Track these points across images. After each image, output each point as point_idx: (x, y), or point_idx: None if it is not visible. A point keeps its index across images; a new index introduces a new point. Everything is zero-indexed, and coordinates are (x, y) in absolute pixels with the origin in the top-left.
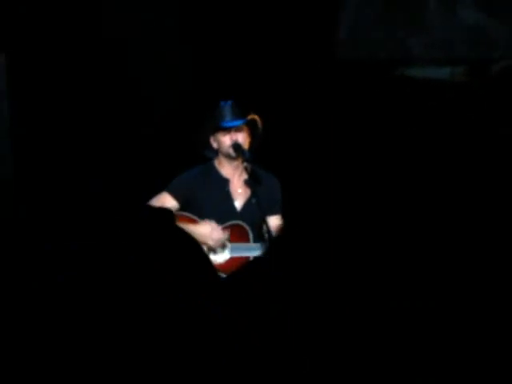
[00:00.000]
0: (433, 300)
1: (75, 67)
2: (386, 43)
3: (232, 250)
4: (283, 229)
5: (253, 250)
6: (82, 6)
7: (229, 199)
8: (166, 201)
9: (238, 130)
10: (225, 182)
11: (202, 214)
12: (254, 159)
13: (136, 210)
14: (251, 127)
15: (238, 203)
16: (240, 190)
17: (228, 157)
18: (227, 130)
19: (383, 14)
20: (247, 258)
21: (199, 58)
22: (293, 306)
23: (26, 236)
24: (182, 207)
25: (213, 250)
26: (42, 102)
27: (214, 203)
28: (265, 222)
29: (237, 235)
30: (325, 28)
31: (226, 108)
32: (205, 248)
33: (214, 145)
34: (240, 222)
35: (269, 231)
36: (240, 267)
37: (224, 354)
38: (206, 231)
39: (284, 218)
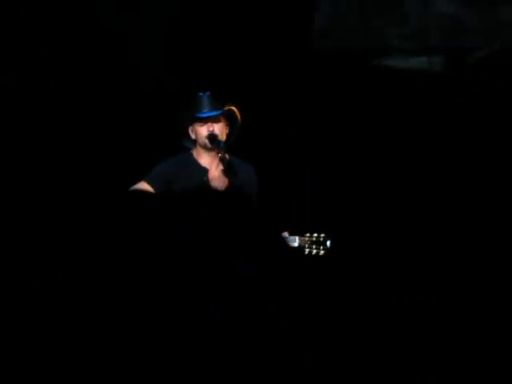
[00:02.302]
0: (433, 300)
1: (73, 65)
2: (363, 33)
3: None
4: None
5: None
6: None
7: (207, 188)
8: (145, 189)
9: (215, 120)
10: (203, 172)
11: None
12: (230, 150)
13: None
14: (229, 118)
15: None
16: (218, 180)
17: (205, 147)
18: (204, 120)
19: (359, 4)
20: None
21: (177, 49)
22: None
23: (26, 236)
24: None
25: None
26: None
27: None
28: None
29: None
30: (301, 18)
31: (204, 99)
32: None
33: (192, 135)
34: None
35: None
36: None
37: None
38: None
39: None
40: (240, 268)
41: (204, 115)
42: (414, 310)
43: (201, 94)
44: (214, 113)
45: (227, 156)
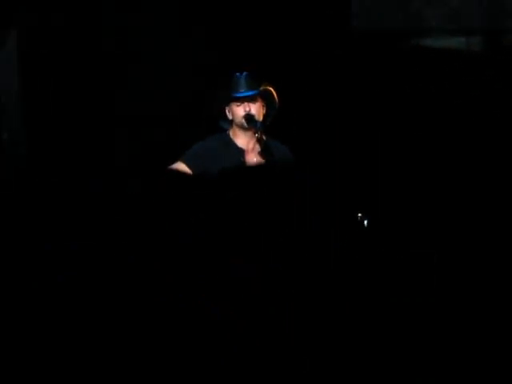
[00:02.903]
0: (433, 299)
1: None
2: (401, 15)
3: None
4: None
5: None
6: None
7: (244, 169)
8: (181, 169)
9: (251, 100)
10: (240, 152)
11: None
12: (267, 130)
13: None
14: (266, 99)
15: None
16: (255, 160)
17: (241, 127)
18: (241, 100)
19: None
20: None
21: (214, 31)
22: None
23: (26, 236)
24: None
25: None
26: (50, 75)
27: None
28: None
29: None
30: (338, 0)
31: (241, 79)
32: None
33: (229, 116)
34: None
35: None
36: None
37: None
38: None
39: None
40: (240, 268)
41: (241, 95)
42: (414, 311)
43: (238, 74)
44: (251, 92)
45: (264, 137)
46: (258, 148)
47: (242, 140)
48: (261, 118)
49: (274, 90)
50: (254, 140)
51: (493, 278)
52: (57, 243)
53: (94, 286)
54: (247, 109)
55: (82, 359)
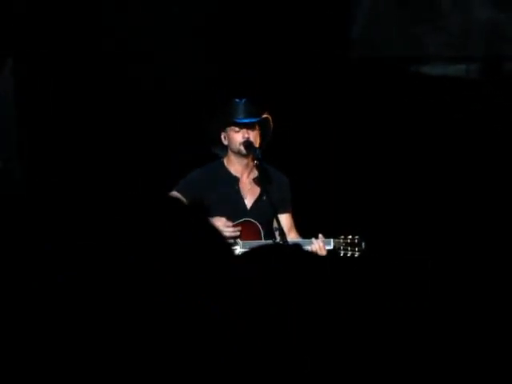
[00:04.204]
0: (432, 299)
1: (79, 70)
2: (401, 41)
3: (243, 247)
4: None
5: None
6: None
7: (239, 197)
8: None
9: (250, 127)
10: (234, 180)
11: (212, 213)
12: (263, 157)
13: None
14: (262, 126)
15: (248, 201)
16: (250, 188)
17: (238, 154)
18: (240, 126)
19: (396, 12)
20: None
21: (212, 55)
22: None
23: (26, 236)
24: None
25: None
26: (46, 103)
27: (224, 201)
28: (276, 219)
29: (248, 233)
30: (338, 26)
31: (241, 105)
32: None
33: (225, 142)
34: (251, 220)
35: (281, 229)
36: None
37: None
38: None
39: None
40: (240, 268)
41: (242, 121)
42: (413, 312)
43: (237, 100)
44: (253, 119)
45: (260, 164)
46: (252, 175)
47: (237, 167)
48: (257, 145)
49: (272, 117)
50: (249, 167)
51: (487, 283)
52: (57, 243)
53: (93, 285)
54: (246, 135)
55: (81, 358)
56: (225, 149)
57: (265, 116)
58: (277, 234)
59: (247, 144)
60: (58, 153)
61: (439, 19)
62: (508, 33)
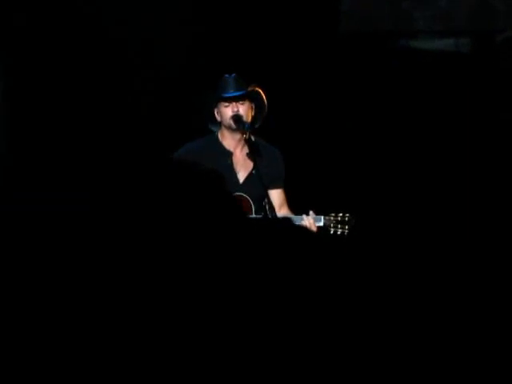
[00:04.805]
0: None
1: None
2: (390, 15)
3: None
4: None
5: None
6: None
7: (231, 171)
8: None
9: (239, 101)
10: (227, 155)
11: None
12: (256, 132)
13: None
14: (255, 100)
15: (241, 175)
16: (242, 163)
17: (229, 128)
18: (229, 100)
19: None
20: None
21: (204, 32)
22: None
23: (25, 233)
24: None
25: None
26: (38, 104)
27: None
28: (266, 193)
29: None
30: (327, 1)
31: (230, 80)
32: None
33: (218, 117)
34: (243, 194)
35: (270, 204)
36: None
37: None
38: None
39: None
40: (240, 267)
41: (229, 95)
42: (413, 310)
43: (226, 75)
44: (239, 93)
45: (253, 138)
46: (246, 150)
47: (230, 142)
48: (249, 120)
49: (263, 91)
50: (241, 142)
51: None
52: (57, 242)
53: (93, 285)
54: (235, 109)
55: (81, 358)
56: (218, 124)
57: (252, 88)
58: (266, 208)
59: (236, 118)
60: (50, 153)
61: None
62: (497, 6)
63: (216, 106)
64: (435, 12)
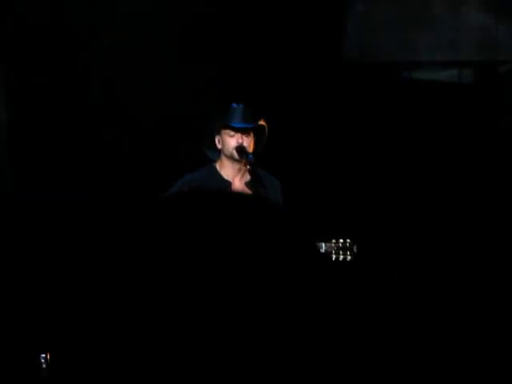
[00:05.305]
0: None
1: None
2: (394, 46)
3: None
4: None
5: None
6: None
7: None
8: None
9: (245, 133)
10: (226, 184)
11: None
12: (256, 163)
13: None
14: (258, 132)
15: None
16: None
17: (231, 158)
18: (235, 131)
19: (389, 17)
20: None
21: (210, 61)
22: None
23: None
24: None
25: None
26: (38, 110)
27: None
28: None
29: None
30: (332, 31)
31: (238, 110)
32: None
33: (219, 145)
34: None
35: None
36: None
37: None
38: None
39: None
40: (240, 266)
41: (237, 125)
42: (413, 312)
43: (234, 104)
44: (247, 125)
45: (253, 168)
46: (244, 179)
47: (229, 171)
48: (251, 151)
49: (265, 120)
50: (241, 172)
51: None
52: (58, 242)
53: (93, 285)
54: (240, 140)
55: (81, 358)
56: (217, 152)
57: (260, 123)
58: None
59: (240, 149)
60: (50, 158)
61: (431, 25)
62: (500, 38)
63: (219, 133)
64: (439, 43)
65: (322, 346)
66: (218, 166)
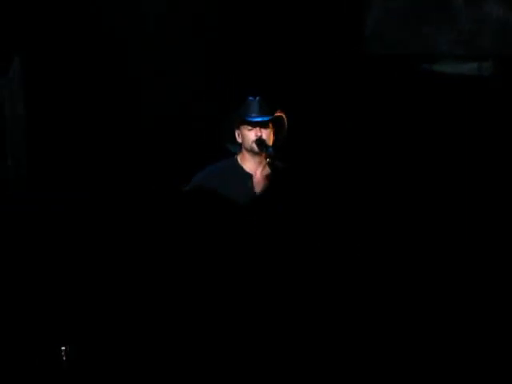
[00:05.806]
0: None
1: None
2: (413, 39)
3: None
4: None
5: None
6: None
7: (252, 194)
8: None
9: (263, 126)
10: (248, 177)
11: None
12: (276, 155)
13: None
14: (277, 124)
15: None
16: (262, 185)
17: (251, 151)
18: (253, 124)
19: (409, 10)
20: None
21: (228, 54)
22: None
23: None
24: None
25: None
26: (56, 102)
27: (237, 198)
28: None
29: None
30: (352, 23)
31: (254, 103)
32: None
33: (238, 139)
34: None
35: None
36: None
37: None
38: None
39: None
40: (240, 266)
41: (254, 119)
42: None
43: (251, 97)
44: (264, 118)
45: (274, 161)
46: (265, 171)
47: (251, 164)
48: (271, 143)
49: (286, 116)
50: (262, 164)
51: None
52: (58, 243)
53: (94, 284)
54: (258, 133)
55: (80, 358)
56: (239, 146)
57: (278, 114)
58: None
59: (259, 142)
60: (67, 151)
61: (451, 17)
62: None
63: (238, 127)
64: (458, 36)
65: (322, 346)
66: (239, 159)
